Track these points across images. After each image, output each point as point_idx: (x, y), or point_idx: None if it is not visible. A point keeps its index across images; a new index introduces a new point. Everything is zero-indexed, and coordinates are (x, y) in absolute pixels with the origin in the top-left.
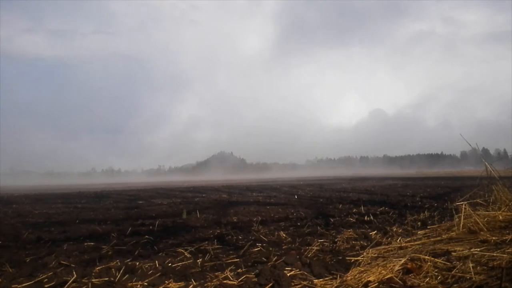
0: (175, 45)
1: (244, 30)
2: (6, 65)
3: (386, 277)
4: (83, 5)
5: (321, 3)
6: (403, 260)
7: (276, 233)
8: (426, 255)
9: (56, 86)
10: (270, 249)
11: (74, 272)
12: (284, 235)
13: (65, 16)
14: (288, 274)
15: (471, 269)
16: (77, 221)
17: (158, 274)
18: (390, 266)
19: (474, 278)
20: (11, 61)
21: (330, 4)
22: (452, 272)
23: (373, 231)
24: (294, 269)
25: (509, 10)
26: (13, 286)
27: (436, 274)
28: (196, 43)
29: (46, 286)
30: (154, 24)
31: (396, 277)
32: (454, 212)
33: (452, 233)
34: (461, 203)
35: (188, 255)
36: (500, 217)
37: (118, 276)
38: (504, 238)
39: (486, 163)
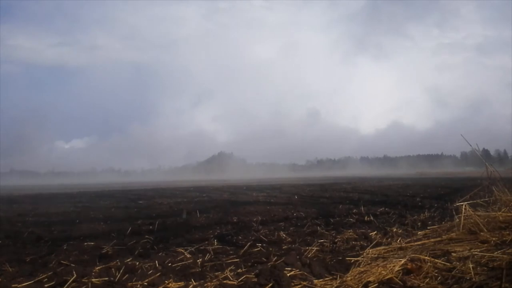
0: (180, 46)
1: (250, 40)
2: (13, 69)
3: (386, 278)
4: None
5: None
6: (403, 261)
7: (276, 233)
8: (426, 256)
9: (59, 89)
10: (270, 249)
11: (74, 272)
12: (284, 235)
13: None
14: (288, 274)
15: (471, 269)
16: (77, 220)
17: (158, 274)
18: (390, 266)
19: (474, 279)
20: (21, 65)
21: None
22: (452, 273)
23: (373, 231)
24: (294, 269)
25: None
26: (13, 285)
27: (436, 274)
28: (207, 49)
29: (46, 285)
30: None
31: (396, 277)
32: (454, 212)
33: (452, 234)
34: (462, 203)
35: (188, 255)
36: (500, 218)
37: (118, 276)
38: (504, 238)
39: (487, 164)
